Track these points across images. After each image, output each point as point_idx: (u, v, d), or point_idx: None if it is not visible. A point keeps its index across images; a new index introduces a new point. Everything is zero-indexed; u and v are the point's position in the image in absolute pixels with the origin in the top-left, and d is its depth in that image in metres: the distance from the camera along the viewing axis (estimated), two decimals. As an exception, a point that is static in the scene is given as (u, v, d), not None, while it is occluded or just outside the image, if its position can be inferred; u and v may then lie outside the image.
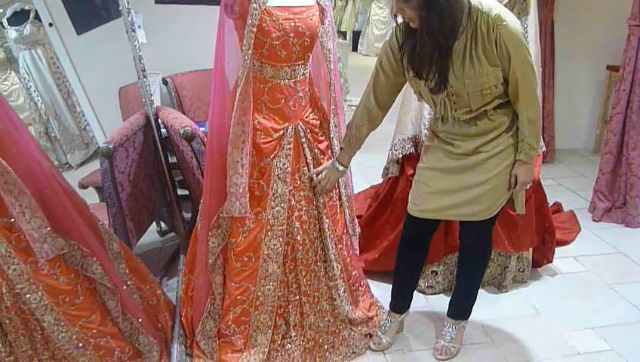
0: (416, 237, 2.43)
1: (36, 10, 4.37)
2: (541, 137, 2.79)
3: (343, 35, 12.75)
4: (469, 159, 2.13)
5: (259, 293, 2.31)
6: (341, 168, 2.30)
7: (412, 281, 2.59)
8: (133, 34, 2.72)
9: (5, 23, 5.13)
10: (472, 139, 2.11)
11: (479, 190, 2.14)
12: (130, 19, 2.69)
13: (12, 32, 5.12)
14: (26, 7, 5.07)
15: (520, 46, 1.91)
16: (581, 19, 4.97)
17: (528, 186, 2.19)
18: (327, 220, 2.36)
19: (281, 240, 2.27)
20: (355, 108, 2.28)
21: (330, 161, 2.33)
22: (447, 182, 2.18)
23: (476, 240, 2.40)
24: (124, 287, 2.23)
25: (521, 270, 3.05)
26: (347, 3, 13.61)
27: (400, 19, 1.96)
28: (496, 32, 1.87)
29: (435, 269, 2.93)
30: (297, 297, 2.37)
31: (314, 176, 2.30)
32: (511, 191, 2.17)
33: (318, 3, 2.17)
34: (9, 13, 5.08)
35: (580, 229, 3.37)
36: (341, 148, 2.32)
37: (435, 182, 2.21)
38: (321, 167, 2.31)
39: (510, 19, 1.88)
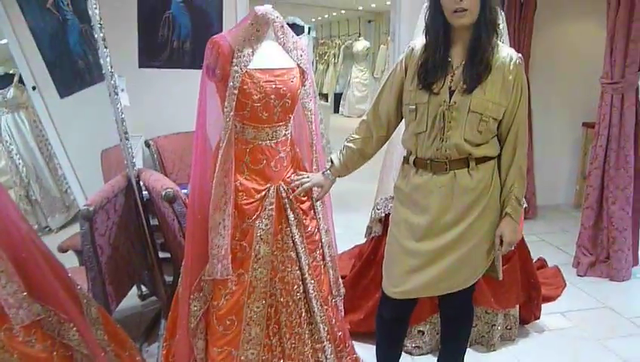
0: (396, 317, 2.32)
1: (20, 74, 4.39)
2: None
3: (325, 97, 13.04)
4: (445, 238, 2.04)
5: (242, 358, 2.25)
6: (329, 175, 2.24)
7: (396, 353, 2.48)
8: (116, 97, 2.74)
9: (-12, 87, 5.15)
10: (445, 201, 2.02)
11: (462, 261, 2.06)
12: (113, 82, 2.73)
13: (-5, 96, 5.13)
14: (10, 71, 5.09)
15: (525, 90, 1.98)
16: (556, 78, 5.13)
17: (512, 247, 2.11)
18: (312, 281, 2.32)
19: (264, 302, 2.23)
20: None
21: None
22: (425, 262, 2.07)
23: (459, 308, 2.31)
24: (103, 354, 2.15)
25: (509, 327, 3.02)
26: (328, 67, 14.03)
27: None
28: (515, 69, 1.94)
29: (421, 329, 2.88)
30: (282, 361, 2.31)
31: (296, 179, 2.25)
32: (495, 251, 2.09)
33: (298, 65, 2.22)
34: (-8, 77, 5.11)
35: (566, 284, 3.36)
36: (331, 161, 2.25)
37: (410, 264, 2.10)
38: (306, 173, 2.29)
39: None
